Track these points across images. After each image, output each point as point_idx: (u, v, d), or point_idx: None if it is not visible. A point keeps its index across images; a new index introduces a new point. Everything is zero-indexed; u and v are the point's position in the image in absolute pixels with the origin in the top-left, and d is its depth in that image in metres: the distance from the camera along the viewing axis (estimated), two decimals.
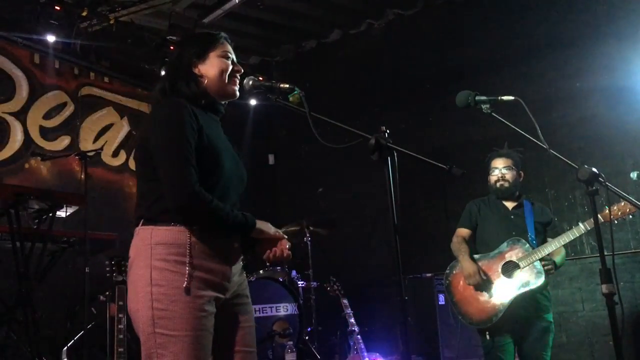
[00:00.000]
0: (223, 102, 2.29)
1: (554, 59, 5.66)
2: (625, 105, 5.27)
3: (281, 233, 2.21)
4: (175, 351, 1.91)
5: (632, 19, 5.22)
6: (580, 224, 3.50)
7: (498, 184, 3.84)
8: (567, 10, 5.53)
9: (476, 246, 3.89)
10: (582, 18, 5.44)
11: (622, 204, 3.35)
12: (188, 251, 1.97)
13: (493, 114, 2.42)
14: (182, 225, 1.99)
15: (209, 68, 2.20)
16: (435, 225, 6.09)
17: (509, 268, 3.66)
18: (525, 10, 5.76)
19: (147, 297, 1.94)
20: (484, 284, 3.66)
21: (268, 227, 2.17)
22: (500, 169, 3.85)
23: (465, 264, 3.74)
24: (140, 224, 2.04)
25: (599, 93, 5.39)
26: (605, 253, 2.24)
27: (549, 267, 3.58)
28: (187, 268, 1.95)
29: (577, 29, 5.48)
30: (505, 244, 3.72)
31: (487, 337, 3.63)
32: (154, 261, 1.96)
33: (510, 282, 3.63)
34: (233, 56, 2.27)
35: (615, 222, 3.43)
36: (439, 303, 5.21)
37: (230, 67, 2.24)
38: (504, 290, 3.63)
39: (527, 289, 3.57)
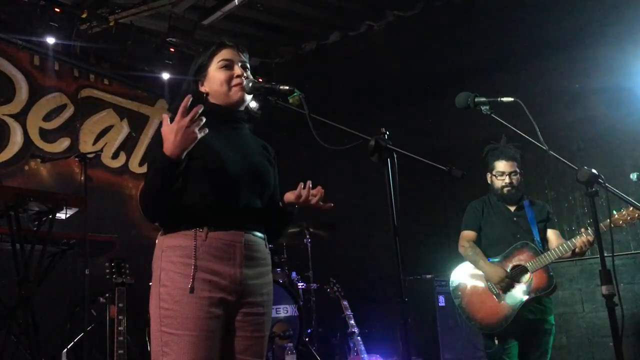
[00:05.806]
0: (239, 109, 2.28)
1: (553, 60, 5.66)
2: (625, 107, 5.26)
3: None
4: (177, 350, 1.96)
5: (632, 20, 5.21)
6: (587, 231, 3.40)
7: (505, 190, 3.75)
8: (567, 12, 5.52)
9: (481, 248, 3.80)
10: (581, 19, 5.43)
11: (631, 209, 3.22)
12: (193, 253, 2.03)
13: (493, 115, 2.42)
14: (188, 230, 2.05)
15: (210, 84, 2.23)
16: (435, 227, 6.08)
17: (518, 272, 3.60)
18: (525, 11, 5.76)
19: (156, 297, 2.04)
20: (510, 285, 3.59)
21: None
22: (508, 174, 3.75)
23: (489, 270, 3.64)
24: (159, 234, 2.15)
25: (599, 94, 5.38)
26: (605, 254, 2.23)
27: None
28: (192, 269, 2.01)
29: (577, 30, 5.47)
30: (512, 247, 3.65)
31: (496, 342, 3.57)
32: (163, 263, 2.06)
33: (520, 286, 3.58)
34: (236, 59, 2.26)
35: (624, 226, 3.33)
36: (439, 305, 5.20)
37: (230, 74, 2.22)
38: (514, 295, 3.57)
39: (538, 294, 3.52)
